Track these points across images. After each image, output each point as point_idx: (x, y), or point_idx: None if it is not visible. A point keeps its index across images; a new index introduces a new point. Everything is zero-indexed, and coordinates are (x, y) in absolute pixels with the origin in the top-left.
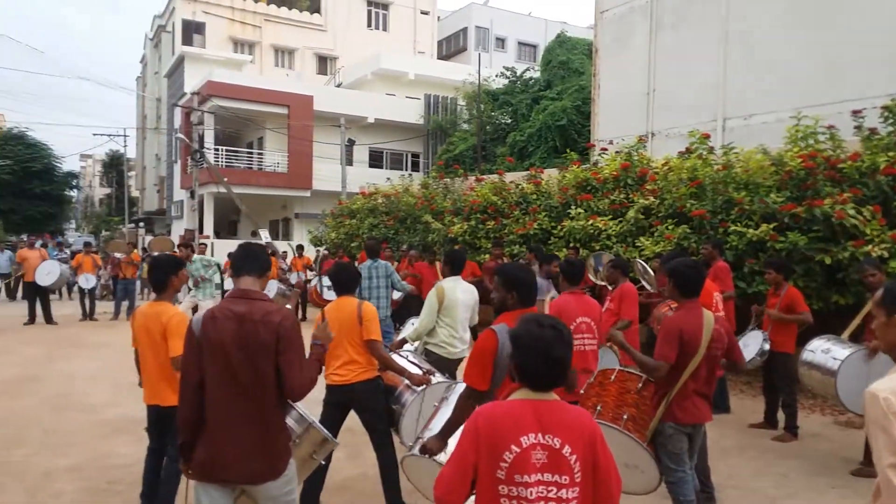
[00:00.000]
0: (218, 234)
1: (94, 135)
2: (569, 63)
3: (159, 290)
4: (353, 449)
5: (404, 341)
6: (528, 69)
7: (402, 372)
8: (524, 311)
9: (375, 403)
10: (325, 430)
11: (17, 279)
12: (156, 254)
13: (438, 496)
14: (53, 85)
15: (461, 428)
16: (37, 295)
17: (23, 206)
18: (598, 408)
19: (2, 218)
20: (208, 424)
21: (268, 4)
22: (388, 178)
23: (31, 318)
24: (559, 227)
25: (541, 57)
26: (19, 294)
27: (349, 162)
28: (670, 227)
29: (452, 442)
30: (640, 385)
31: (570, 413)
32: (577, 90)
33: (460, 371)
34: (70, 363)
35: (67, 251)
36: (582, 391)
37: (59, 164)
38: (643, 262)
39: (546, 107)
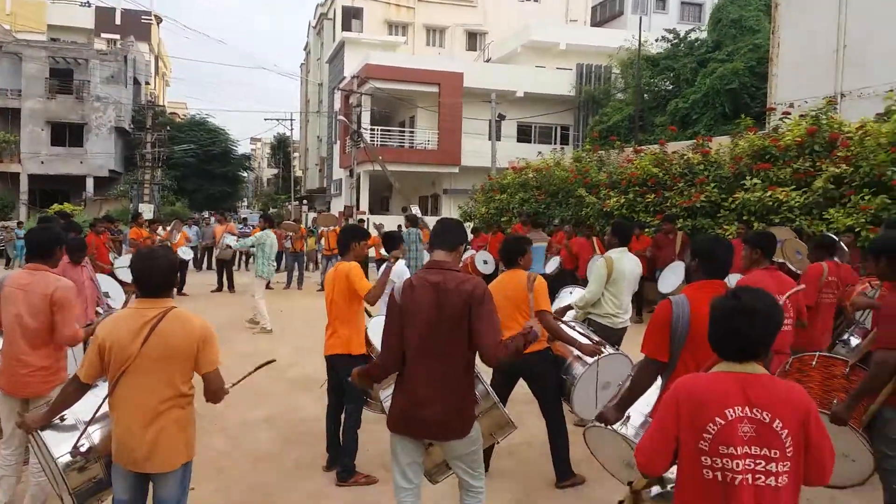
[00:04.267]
0: (371, 210)
1: (266, 119)
2: (742, 20)
3: (342, 252)
4: (517, 418)
5: (569, 308)
6: (692, 30)
7: (572, 342)
8: (710, 283)
9: (548, 373)
10: (506, 414)
11: (204, 250)
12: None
13: (641, 463)
14: (228, 73)
15: (649, 398)
16: (222, 264)
17: (204, 186)
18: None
19: (187, 197)
20: (405, 382)
21: None
22: (540, 153)
23: (219, 286)
24: (730, 200)
25: (707, 16)
26: (204, 264)
27: (497, 137)
28: (866, 198)
29: (633, 413)
30: (847, 370)
31: (781, 387)
32: (751, 50)
33: (625, 344)
34: (248, 344)
35: (250, 226)
36: (776, 375)
37: (234, 148)
38: (800, 242)
39: (714, 70)
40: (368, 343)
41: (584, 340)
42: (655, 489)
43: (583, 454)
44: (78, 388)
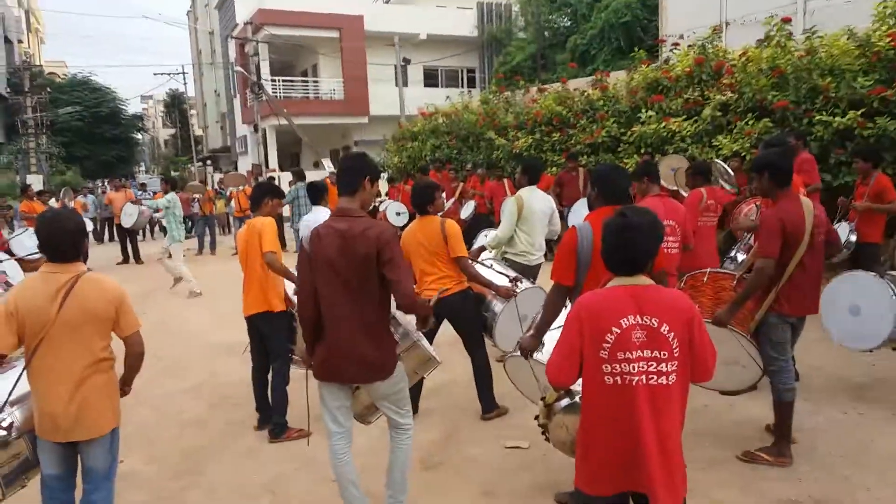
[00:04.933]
0: (281, 167)
1: (155, 75)
2: None
3: (254, 209)
4: (443, 359)
5: (483, 249)
6: None
7: (489, 285)
8: (609, 209)
9: (469, 312)
10: (430, 349)
11: (103, 222)
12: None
13: (550, 378)
14: (108, 25)
15: (559, 322)
16: (126, 235)
17: (96, 151)
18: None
19: (78, 164)
20: (324, 330)
21: None
22: (448, 97)
23: (125, 258)
24: (629, 133)
25: None
26: (105, 236)
27: (405, 83)
28: (750, 123)
29: (547, 340)
30: (735, 282)
31: (666, 294)
32: None
33: (540, 278)
34: (167, 297)
35: (150, 192)
36: None
37: (124, 108)
38: (722, 163)
39: (608, 4)
40: (288, 299)
41: (501, 280)
42: (565, 401)
43: (506, 388)
44: None
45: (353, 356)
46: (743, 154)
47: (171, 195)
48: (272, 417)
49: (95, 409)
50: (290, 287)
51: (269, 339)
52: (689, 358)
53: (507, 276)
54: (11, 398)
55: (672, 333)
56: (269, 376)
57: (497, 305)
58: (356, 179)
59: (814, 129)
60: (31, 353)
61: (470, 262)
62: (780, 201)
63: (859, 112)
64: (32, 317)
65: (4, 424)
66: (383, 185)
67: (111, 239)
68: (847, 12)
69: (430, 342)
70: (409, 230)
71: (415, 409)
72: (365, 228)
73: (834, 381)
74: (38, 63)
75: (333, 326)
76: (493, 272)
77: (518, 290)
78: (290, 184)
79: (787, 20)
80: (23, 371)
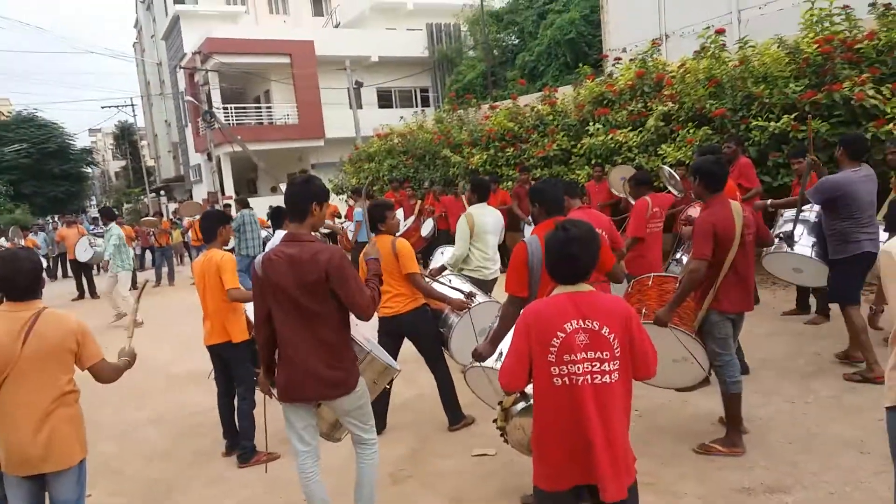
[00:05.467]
0: (238, 194)
1: (103, 108)
2: None
3: (209, 240)
4: (408, 375)
5: (443, 268)
6: None
7: (442, 299)
8: (552, 221)
9: (426, 329)
10: (387, 358)
11: (56, 259)
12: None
13: (503, 383)
14: (52, 62)
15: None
16: (81, 270)
17: (44, 187)
18: (643, 311)
19: (27, 201)
20: (281, 352)
21: None
22: (402, 117)
23: (80, 294)
24: (579, 146)
25: None
26: (59, 272)
27: (359, 105)
28: (691, 131)
29: (503, 347)
30: (678, 284)
31: (604, 300)
32: None
33: (496, 291)
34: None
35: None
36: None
37: (72, 142)
38: (669, 168)
39: (553, 21)
40: (251, 325)
41: (456, 294)
42: (521, 405)
43: (470, 398)
44: None
45: (313, 376)
46: (686, 162)
47: (111, 226)
48: (240, 443)
49: (64, 440)
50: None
51: (232, 366)
52: (629, 357)
53: (462, 291)
54: None
55: (613, 335)
56: (235, 402)
57: (453, 319)
58: (305, 205)
59: (751, 134)
60: None
61: (422, 278)
62: (711, 206)
63: (792, 116)
64: None
65: None
66: (342, 207)
67: (65, 275)
68: (780, 20)
69: (395, 359)
70: (364, 249)
71: (383, 425)
72: (314, 253)
73: (782, 372)
74: None
75: (290, 349)
76: (449, 287)
77: (472, 304)
78: (236, 211)
79: (720, 31)
80: None
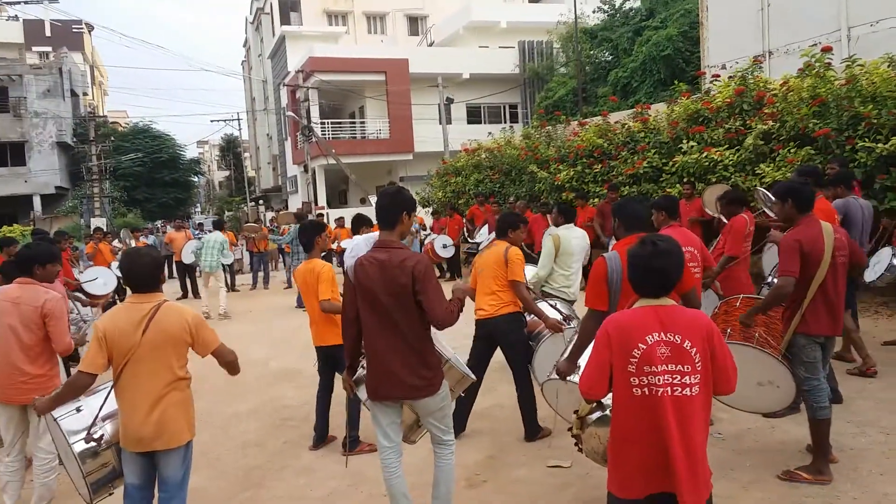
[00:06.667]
0: (329, 204)
1: (212, 121)
2: None
3: (308, 250)
4: (489, 385)
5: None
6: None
7: (539, 314)
8: (633, 237)
9: (517, 336)
10: (464, 368)
11: (163, 260)
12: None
13: (583, 391)
14: (167, 78)
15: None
16: (185, 272)
17: (155, 194)
18: (728, 331)
19: (139, 206)
20: (370, 353)
21: None
22: (490, 133)
23: (184, 293)
24: (670, 164)
25: None
26: (165, 273)
27: (448, 121)
28: (793, 151)
29: (582, 362)
30: None
31: (686, 313)
32: (683, 15)
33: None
34: (225, 328)
35: (206, 231)
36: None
37: (182, 153)
38: (764, 190)
39: (649, 38)
40: None
41: (553, 314)
42: (597, 414)
43: (547, 411)
44: (81, 378)
45: (400, 377)
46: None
47: (217, 232)
48: (348, 431)
49: (173, 421)
50: None
51: (340, 367)
52: (710, 371)
53: (561, 313)
54: (102, 413)
55: (694, 349)
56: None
57: (545, 338)
58: (395, 214)
59: (857, 156)
60: (118, 374)
61: (525, 289)
62: (799, 225)
63: None
64: (120, 341)
65: (96, 436)
66: (428, 219)
67: (170, 276)
68: (891, 38)
69: (485, 368)
70: (484, 254)
71: (462, 428)
72: (403, 259)
73: (879, 402)
74: (101, 114)
75: (379, 350)
76: (548, 306)
77: (566, 327)
78: (291, 223)
79: (827, 49)
80: (111, 390)
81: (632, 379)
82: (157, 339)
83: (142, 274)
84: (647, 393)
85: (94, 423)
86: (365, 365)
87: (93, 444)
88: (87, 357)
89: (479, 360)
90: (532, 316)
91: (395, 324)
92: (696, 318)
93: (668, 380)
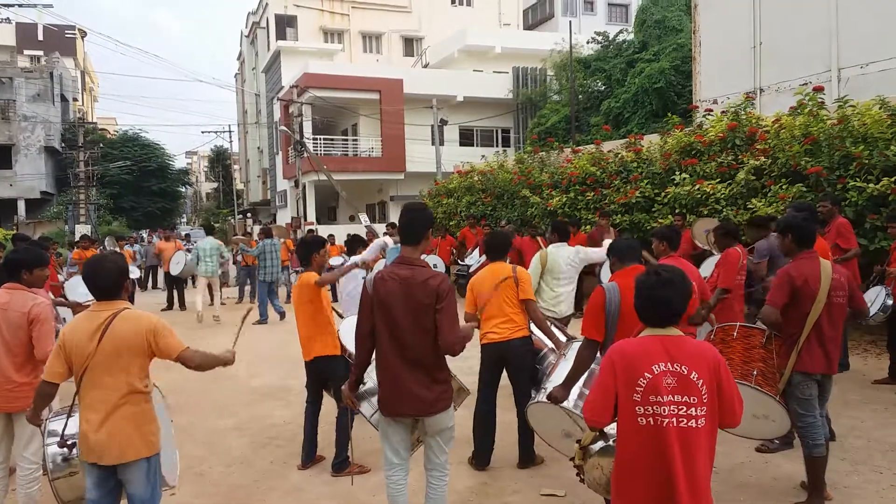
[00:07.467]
0: (318, 220)
1: (203, 132)
2: (665, 21)
3: (304, 265)
4: None
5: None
6: (620, 31)
7: (550, 335)
8: (630, 268)
9: (529, 360)
10: (460, 381)
11: (147, 270)
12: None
13: (588, 418)
14: (159, 87)
15: (583, 376)
16: (173, 283)
17: (142, 203)
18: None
19: (124, 215)
20: (383, 369)
21: None
22: (483, 156)
23: (169, 305)
24: (663, 194)
25: (634, 17)
26: (149, 283)
27: (441, 142)
28: (784, 187)
29: (574, 390)
30: (764, 339)
31: (694, 345)
32: (676, 49)
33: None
34: (209, 341)
35: (193, 243)
36: None
37: (171, 163)
38: (704, 226)
39: (642, 70)
40: (341, 346)
41: (559, 335)
42: (600, 444)
43: (540, 440)
44: (44, 388)
45: (413, 393)
46: (778, 217)
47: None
48: (337, 452)
49: (123, 435)
50: (343, 335)
51: (332, 381)
52: (717, 403)
53: (565, 334)
54: (70, 408)
55: (701, 380)
56: (337, 415)
57: (551, 359)
58: (422, 231)
59: (848, 195)
60: (78, 382)
61: (538, 308)
62: (797, 260)
63: (893, 179)
64: (76, 350)
65: (69, 442)
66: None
67: (154, 286)
68: (882, 80)
69: (495, 389)
70: (481, 274)
71: (531, 459)
72: (427, 278)
73: (872, 441)
74: (91, 120)
75: (393, 365)
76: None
77: (568, 350)
78: (259, 239)
79: (818, 89)
80: (73, 398)
81: (637, 408)
82: (112, 347)
83: (104, 281)
84: (652, 423)
85: (65, 427)
86: (366, 381)
87: (65, 449)
88: (47, 366)
89: (491, 386)
90: (535, 336)
91: (411, 340)
92: (704, 350)
93: (673, 410)
